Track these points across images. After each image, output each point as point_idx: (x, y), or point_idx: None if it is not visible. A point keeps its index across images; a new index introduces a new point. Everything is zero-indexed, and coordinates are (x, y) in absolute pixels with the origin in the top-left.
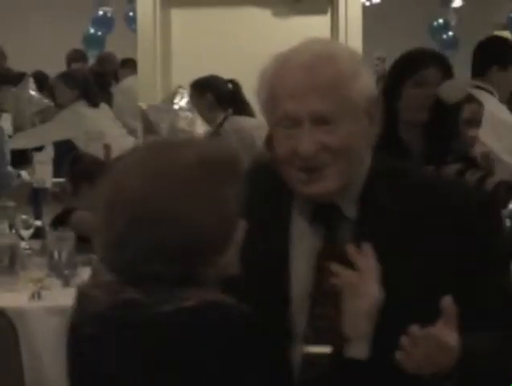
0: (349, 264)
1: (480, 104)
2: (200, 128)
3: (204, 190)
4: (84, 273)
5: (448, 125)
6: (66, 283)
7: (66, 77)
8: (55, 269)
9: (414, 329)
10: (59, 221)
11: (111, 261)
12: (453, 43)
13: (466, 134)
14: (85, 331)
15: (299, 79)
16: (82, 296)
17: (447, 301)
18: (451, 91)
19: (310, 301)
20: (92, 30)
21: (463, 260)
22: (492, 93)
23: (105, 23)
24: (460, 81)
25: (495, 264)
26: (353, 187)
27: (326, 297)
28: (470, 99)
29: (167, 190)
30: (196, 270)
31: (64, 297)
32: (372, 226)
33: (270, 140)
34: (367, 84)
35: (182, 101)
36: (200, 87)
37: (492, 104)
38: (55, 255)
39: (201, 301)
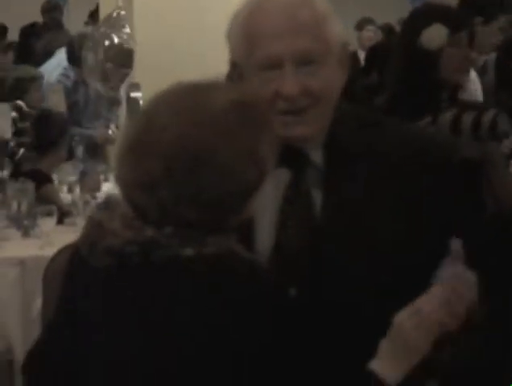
0: (310, 208)
1: (465, 50)
2: None
3: (241, 136)
4: (44, 224)
5: (432, 73)
6: (26, 234)
7: None
8: (15, 220)
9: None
10: (19, 172)
11: (138, 201)
12: None
13: (452, 79)
14: (97, 263)
15: (280, 19)
16: (95, 227)
17: (456, 244)
18: (432, 36)
19: (274, 246)
20: None
21: (440, 212)
22: None
23: None
24: (440, 27)
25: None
26: (321, 133)
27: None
28: (451, 44)
29: (204, 135)
30: (224, 218)
31: (23, 247)
32: (339, 171)
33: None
34: (339, 28)
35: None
36: None
37: None
38: (15, 206)
39: (222, 248)
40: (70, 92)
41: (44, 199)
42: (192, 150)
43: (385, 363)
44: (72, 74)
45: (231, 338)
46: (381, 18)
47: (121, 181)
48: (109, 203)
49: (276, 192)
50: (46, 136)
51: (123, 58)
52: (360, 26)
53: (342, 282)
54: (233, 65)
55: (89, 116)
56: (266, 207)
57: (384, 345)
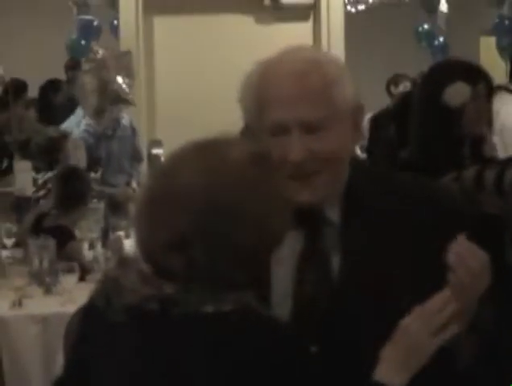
0: (327, 266)
1: (485, 102)
2: None
3: (264, 186)
4: (65, 281)
5: (455, 129)
6: (47, 291)
7: None
8: (37, 277)
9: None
10: (39, 228)
11: (162, 259)
12: (443, 49)
13: (474, 132)
14: (113, 320)
15: (288, 86)
16: (111, 283)
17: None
18: (455, 94)
19: (291, 303)
20: (75, 37)
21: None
22: None
23: (91, 31)
24: (463, 84)
25: None
26: (336, 192)
27: (302, 302)
28: (472, 98)
29: (230, 189)
30: (256, 272)
31: (45, 305)
32: (355, 230)
33: None
34: (351, 90)
35: None
36: None
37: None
38: (37, 263)
39: (240, 305)
40: (92, 148)
41: (67, 256)
42: (221, 205)
43: (389, 369)
44: (93, 130)
45: None
46: (401, 71)
47: (142, 240)
48: (124, 260)
49: (293, 251)
50: (71, 193)
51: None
52: (395, 81)
53: (357, 343)
54: (246, 126)
55: (112, 172)
56: (283, 266)
57: (388, 350)
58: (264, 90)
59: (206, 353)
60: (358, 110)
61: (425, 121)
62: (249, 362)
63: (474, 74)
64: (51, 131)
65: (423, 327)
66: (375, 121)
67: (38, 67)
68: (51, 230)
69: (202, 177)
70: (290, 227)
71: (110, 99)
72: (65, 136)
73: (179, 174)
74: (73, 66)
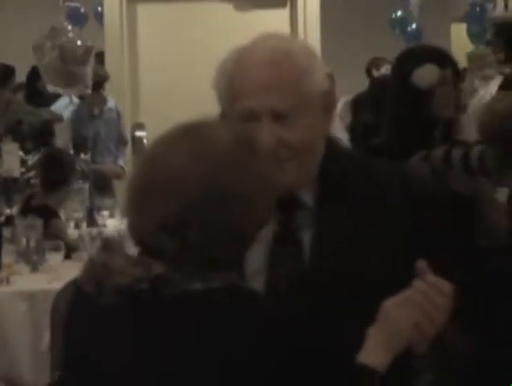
0: (299, 247)
1: (452, 87)
2: None
3: (251, 166)
4: (52, 259)
5: (424, 111)
6: (34, 268)
7: None
8: (24, 255)
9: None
10: (28, 208)
11: (155, 242)
12: (416, 35)
13: (443, 115)
14: (104, 303)
15: (259, 76)
16: (99, 268)
17: (421, 265)
18: (424, 75)
19: (263, 282)
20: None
21: (429, 248)
22: None
23: (77, 18)
24: (431, 66)
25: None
26: (310, 175)
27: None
28: (440, 82)
29: (219, 171)
30: (244, 251)
31: (32, 282)
32: (329, 211)
33: None
34: (322, 77)
35: None
36: None
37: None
38: (24, 242)
39: (227, 283)
40: (81, 128)
41: (52, 235)
42: (212, 187)
43: (373, 351)
44: (80, 110)
45: (242, 366)
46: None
47: (134, 224)
48: (108, 244)
49: (267, 232)
50: (55, 174)
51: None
52: (376, 64)
53: (328, 320)
54: (222, 112)
55: (99, 153)
56: (256, 248)
57: (372, 333)
58: (236, 78)
59: (197, 329)
60: (329, 96)
61: (397, 102)
62: (238, 335)
63: (442, 58)
64: (46, 113)
65: (405, 314)
66: (356, 102)
67: (25, 53)
68: (38, 209)
69: (191, 160)
70: (273, 209)
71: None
72: (59, 118)
73: (168, 159)
74: None
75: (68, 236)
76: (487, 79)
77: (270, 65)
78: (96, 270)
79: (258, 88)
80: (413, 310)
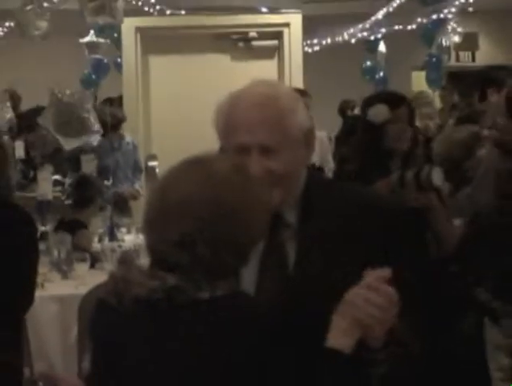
0: (284, 258)
1: (406, 124)
2: None
3: (248, 190)
4: (79, 268)
5: (381, 143)
6: (64, 276)
7: None
8: (56, 265)
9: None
10: (61, 224)
11: (170, 256)
12: (384, 81)
13: (396, 148)
14: (127, 311)
15: (249, 116)
16: (119, 281)
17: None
18: (376, 113)
19: (254, 289)
20: (87, 73)
21: (385, 257)
22: None
23: (101, 68)
24: (382, 106)
25: (410, 259)
26: (293, 199)
27: (269, 286)
28: (393, 120)
29: (221, 195)
30: (244, 263)
31: (62, 287)
32: (310, 228)
33: None
34: (303, 117)
35: None
36: None
37: None
38: (56, 254)
39: (230, 291)
40: (104, 159)
41: (80, 246)
42: (217, 210)
43: (338, 336)
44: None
45: (244, 364)
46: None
47: (153, 242)
48: (124, 259)
49: (256, 250)
50: (86, 193)
51: None
52: (350, 106)
53: (310, 318)
54: (221, 146)
55: (118, 179)
56: (249, 263)
57: (335, 319)
58: (230, 117)
59: (206, 331)
60: (310, 133)
61: (360, 136)
62: (242, 336)
63: (395, 100)
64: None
65: (363, 302)
66: (336, 138)
67: None
68: (70, 223)
69: (198, 187)
70: (267, 226)
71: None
72: (88, 150)
73: (179, 186)
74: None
75: (92, 247)
76: (425, 116)
77: (259, 107)
78: (116, 283)
79: (248, 126)
80: (359, 306)
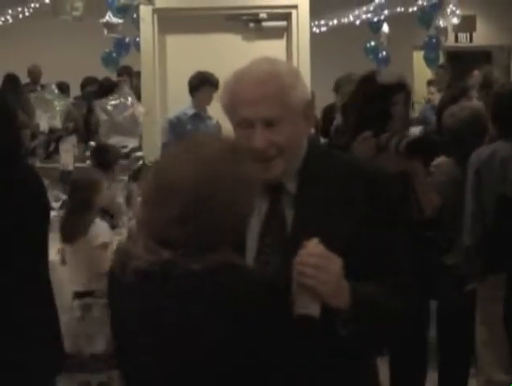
0: (284, 222)
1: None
2: None
3: (235, 171)
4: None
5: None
6: None
7: None
8: None
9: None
10: None
11: (164, 232)
12: (386, 61)
13: (398, 115)
14: (128, 281)
15: (252, 92)
16: (123, 252)
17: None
18: (386, 75)
19: (256, 249)
20: (108, 51)
21: (373, 218)
22: None
23: (123, 46)
24: (394, 70)
25: (394, 223)
26: (294, 168)
27: (269, 247)
28: (400, 89)
29: (209, 177)
30: (231, 237)
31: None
32: (306, 195)
33: None
34: (303, 92)
35: None
36: None
37: None
38: None
39: (221, 261)
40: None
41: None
42: (206, 191)
43: (303, 303)
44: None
45: (237, 331)
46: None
47: (149, 219)
48: (132, 234)
49: (260, 211)
50: (103, 160)
51: None
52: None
53: None
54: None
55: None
56: (253, 226)
57: (295, 290)
58: (235, 94)
59: (197, 300)
60: (309, 106)
61: (364, 99)
62: (231, 303)
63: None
64: None
65: (299, 265)
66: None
67: (75, 71)
68: None
69: (190, 167)
70: (256, 201)
71: None
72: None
73: (171, 167)
74: (89, 83)
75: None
76: None
77: (261, 84)
78: (121, 255)
79: (251, 101)
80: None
